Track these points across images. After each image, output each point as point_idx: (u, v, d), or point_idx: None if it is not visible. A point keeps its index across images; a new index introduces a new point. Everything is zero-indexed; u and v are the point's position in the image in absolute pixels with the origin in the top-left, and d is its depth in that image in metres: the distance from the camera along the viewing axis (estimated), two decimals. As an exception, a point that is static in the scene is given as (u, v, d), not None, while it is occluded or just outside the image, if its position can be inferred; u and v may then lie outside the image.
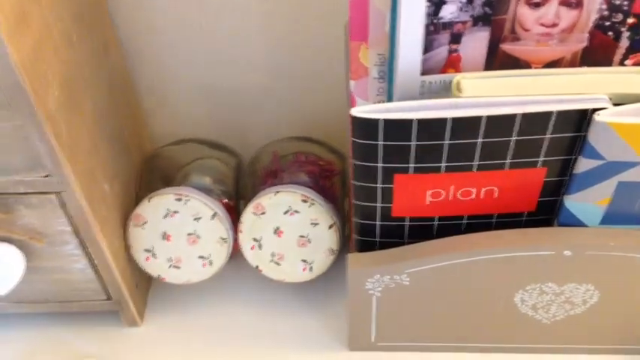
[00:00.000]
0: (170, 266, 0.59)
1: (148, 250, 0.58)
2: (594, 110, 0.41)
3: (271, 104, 0.66)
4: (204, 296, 0.64)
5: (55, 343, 0.61)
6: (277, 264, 0.59)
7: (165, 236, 0.57)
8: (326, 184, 0.63)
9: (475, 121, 0.42)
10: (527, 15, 0.41)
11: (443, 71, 0.44)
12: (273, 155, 0.66)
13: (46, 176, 0.47)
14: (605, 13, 0.40)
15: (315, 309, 0.62)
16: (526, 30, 0.41)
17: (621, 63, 0.42)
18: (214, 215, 0.57)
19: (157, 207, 0.56)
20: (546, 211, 0.49)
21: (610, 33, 0.41)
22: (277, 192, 0.56)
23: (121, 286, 0.58)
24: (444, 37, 0.42)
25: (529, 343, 0.57)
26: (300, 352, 0.60)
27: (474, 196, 0.48)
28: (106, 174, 0.54)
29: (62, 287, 0.57)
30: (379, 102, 0.48)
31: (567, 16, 0.41)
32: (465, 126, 0.43)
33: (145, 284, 0.64)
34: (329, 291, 0.62)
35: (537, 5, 0.40)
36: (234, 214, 0.61)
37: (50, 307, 0.59)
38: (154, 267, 0.59)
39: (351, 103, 0.49)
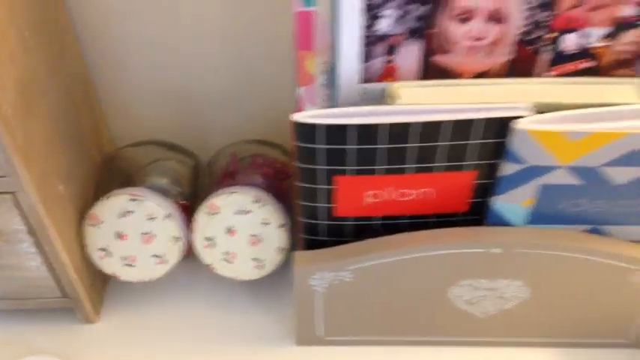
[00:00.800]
0: (125, 265, 0.61)
1: (102, 249, 0.60)
2: (515, 118, 0.44)
3: (230, 108, 0.68)
4: (160, 294, 0.66)
5: (11, 339, 0.62)
6: (230, 262, 0.61)
7: (120, 235, 0.59)
8: (281, 185, 0.66)
9: (408, 126, 0.45)
10: (455, 29, 0.44)
11: (381, 80, 0.47)
12: (231, 157, 0.68)
13: (1, 177, 0.48)
14: (528, 28, 0.44)
15: (267, 305, 0.65)
16: (455, 43, 0.45)
17: (544, 74, 0.46)
18: (168, 215, 0.59)
19: (112, 207, 0.58)
20: (478, 212, 0.52)
21: (532, 47, 0.45)
22: (230, 193, 0.59)
23: (76, 284, 0.59)
24: (381, 48, 0.45)
25: (467, 336, 0.60)
26: (250, 347, 0.62)
27: (410, 197, 0.51)
28: (61, 175, 0.56)
29: (18, 284, 0.59)
30: (325, 107, 0.51)
31: (492, 30, 0.44)
32: (400, 131, 0.46)
33: (101, 282, 0.66)
34: (280, 288, 0.65)
35: (465, 20, 0.43)
36: (191, 214, 0.63)
37: (7, 304, 0.61)
38: (108, 265, 0.61)
39: (300, 108, 0.51)
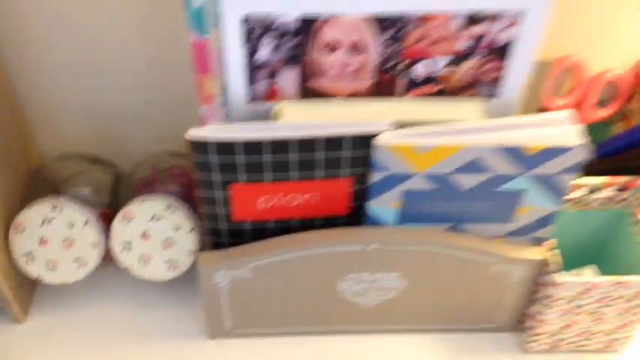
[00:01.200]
0: (47, 269, 0.67)
1: (27, 254, 0.66)
2: (378, 134, 0.53)
3: (149, 122, 0.75)
4: (85, 295, 0.72)
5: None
6: (145, 264, 0.67)
7: (43, 241, 0.65)
8: (194, 193, 0.72)
9: (289, 141, 0.53)
10: (324, 58, 0.52)
11: (267, 99, 0.55)
12: (152, 168, 0.75)
13: None
14: (384, 58, 0.52)
15: (180, 303, 0.71)
16: (326, 70, 0.53)
17: (402, 96, 0.54)
18: (86, 222, 0.65)
19: (34, 215, 0.64)
20: (357, 215, 0.60)
21: (390, 73, 0.53)
22: (144, 200, 0.65)
23: (3, 286, 0.65)
24: (263, 73, 0.53)
25: (358, 325, 0.68)
26: (167, 342, 0.68)
27: (297, 202, 0.58)
28: (-13, 186, 0.62)
29: (-53, 288, 0.64)
30: (223, 123, 0.58)
31: (355, 60, 0.52)
32: (282, 145, 0.53)
33: (30, 285, 0.71)
34: (192, 287, 0.71)
35: (331, 51, 0.51)
36: (111, 221, 0.69)
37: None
38: (32, 269, 0.66)
39: (204, 124, 0.58)
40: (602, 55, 0.69)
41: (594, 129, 0.72)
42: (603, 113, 0.72)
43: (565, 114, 0.53)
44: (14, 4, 0.64)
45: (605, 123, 0.73)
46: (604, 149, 0.68)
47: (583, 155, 0.52)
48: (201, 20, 0.52)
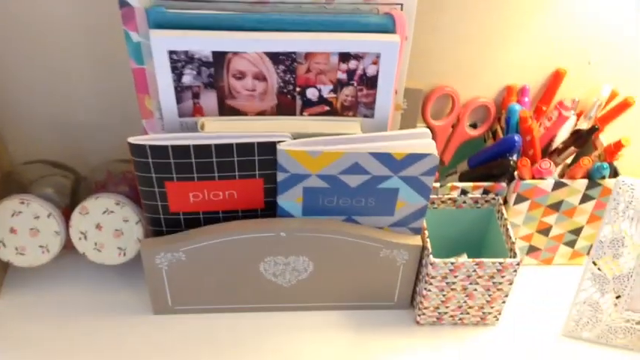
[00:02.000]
0: (17, 254, 0.80)
1: (-1, 241, 0.79)
2: (279, 142, 0.67)
3: (104, 134, 0.88)
4: (49, 278, 0.85)
5: None
6: (99, 251, 0.81)
7: (13, 230, 0.78)
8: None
9: (209, 147, 0.67)
10: (235, 83, 0.66)
11: (192, 115, 0.69)
12: (107, 172, 0.88)
13: None
14: (282, 84, 0.66)
15: (130, 284, 0.85)
16: (238, 92, 0.67)
17: (299, 114, 0.69)
18: (49, 215, 0.78)
19: (5, 208, 0.77)
20: (271, 208, 0.74)
21: (289, 96, 0.67)
22: (97, 197, 0.79)
23: (-22, 269, 0.78)
24: (188, 94, 0.67)
25: (279, 303, 0.82)
26: (118, 317, 0.82)
27: (220, 197, 0.72)
28: (-35, 185, 0.75)
29: None
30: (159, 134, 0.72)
31: (260, 85, 0.66)
32: (204, 150, 0.67)
33: (1, 268, 0.84)
34: (140, 270, 0.84)
35: (240, 78, 0.66)
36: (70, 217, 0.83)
37: None
38: (4, 254, 0.79)
39: (145, 134, 0.72)
40: (474, 85, 0.85)
41: (471, 145, 0.87)
42: (476, 132, 0.88)
43: (425, 130, 0.68)
44: (-9, 35, 0.77)
45: (482, 139, 0.89)
46: (475, 160, 0.83)
47: (436, 161, 0.67)
48: (139, 52, 0.66)
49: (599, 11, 0.79)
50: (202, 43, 0.62)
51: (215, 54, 0.64)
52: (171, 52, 0.63)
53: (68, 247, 0.82)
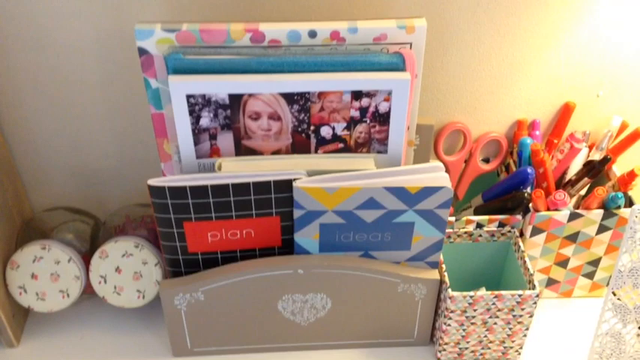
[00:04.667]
0: (37, 299, 0.80)
1: (20, 287, 0.80)
2: (295, 179, 0.68)
3: (123, 179, 0.90)
4: (70, 322, 0.85)
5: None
6: (119, 294, 0.81)
7: (34, 276, 0.79)
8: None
9: (226, 186, 0.68)
10: (251, 124, 0.68)
11: (210, 156, 0.71)
12: (126, 217, 0.89)
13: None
14: (296, 123, 0.68)
15: (149, 327, 0.85)
16: (253, 132, 0.69)
17: (314, 152, 0.70)
18: (70, 259, 0.79)
19: (27, 254, 0.78)
20: (288, 245, 0.75)
21: (303, 135, 0.69)
22: (117, 240, 0.80)
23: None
24: (205, 136, 0.69)
25: (297, 342, 0.82)
26: (137, 360, 0.82)
27: (238, 236, 0.73)
28: (-11, 232, 0.76)
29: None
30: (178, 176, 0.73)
31: (275, 125, 0.68)
32: (221, 190, 0.68)
33: (22, 314, 0.85)
34: (159, 312, 0.85)
35: (255, 119, 0.67)
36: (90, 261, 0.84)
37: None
38: (25, 300, 0.80)
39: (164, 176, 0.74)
40: (485, 120, 0.87)
41: (484, 179, 0.88)
42: (489, 167, 0.89)
43: (438, 164, 0.69)
44: (15, 85, 0.80)
45: (495, 173, 0.90)
46: (489, 194, 0.84)
47: (450, 194, 0.68)
48: (158, 98, 0.69)
49: (607, 46, 0.81)
50: (219, 86, 0.64)
51: (231, 96, 0.65)
52: (189, 96, 0.65)
53: (87, 291, 0.83)
